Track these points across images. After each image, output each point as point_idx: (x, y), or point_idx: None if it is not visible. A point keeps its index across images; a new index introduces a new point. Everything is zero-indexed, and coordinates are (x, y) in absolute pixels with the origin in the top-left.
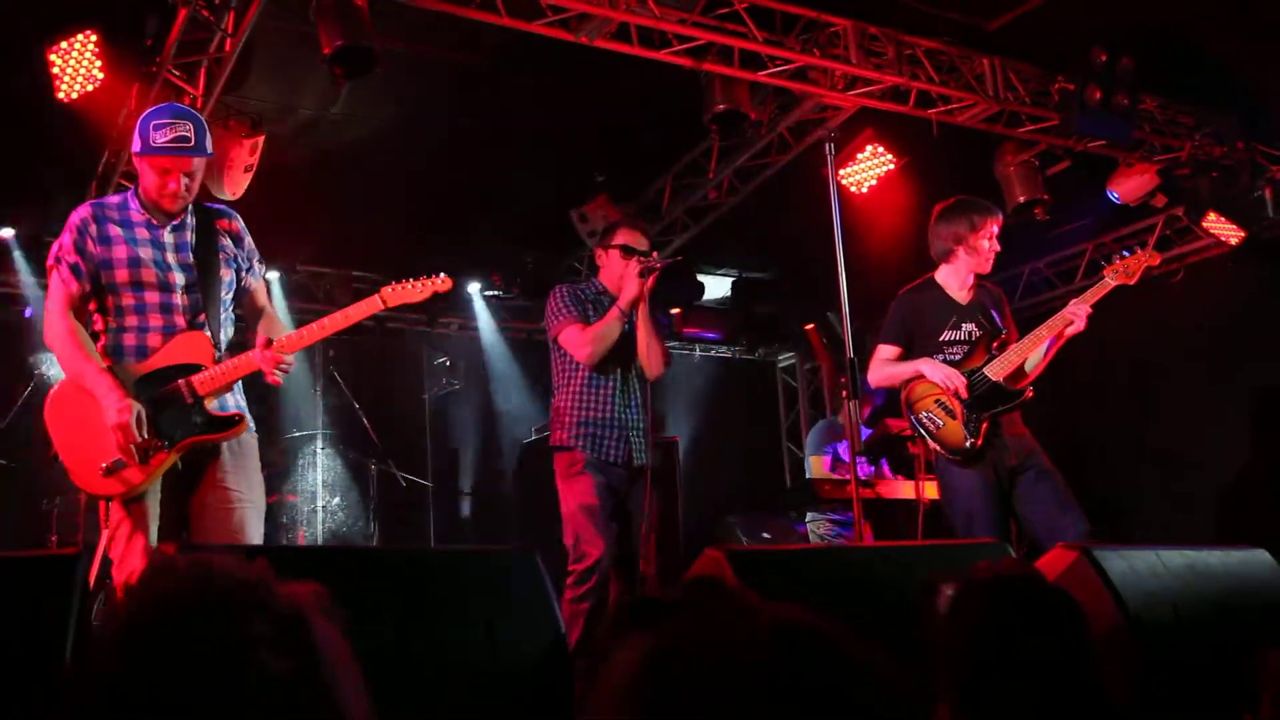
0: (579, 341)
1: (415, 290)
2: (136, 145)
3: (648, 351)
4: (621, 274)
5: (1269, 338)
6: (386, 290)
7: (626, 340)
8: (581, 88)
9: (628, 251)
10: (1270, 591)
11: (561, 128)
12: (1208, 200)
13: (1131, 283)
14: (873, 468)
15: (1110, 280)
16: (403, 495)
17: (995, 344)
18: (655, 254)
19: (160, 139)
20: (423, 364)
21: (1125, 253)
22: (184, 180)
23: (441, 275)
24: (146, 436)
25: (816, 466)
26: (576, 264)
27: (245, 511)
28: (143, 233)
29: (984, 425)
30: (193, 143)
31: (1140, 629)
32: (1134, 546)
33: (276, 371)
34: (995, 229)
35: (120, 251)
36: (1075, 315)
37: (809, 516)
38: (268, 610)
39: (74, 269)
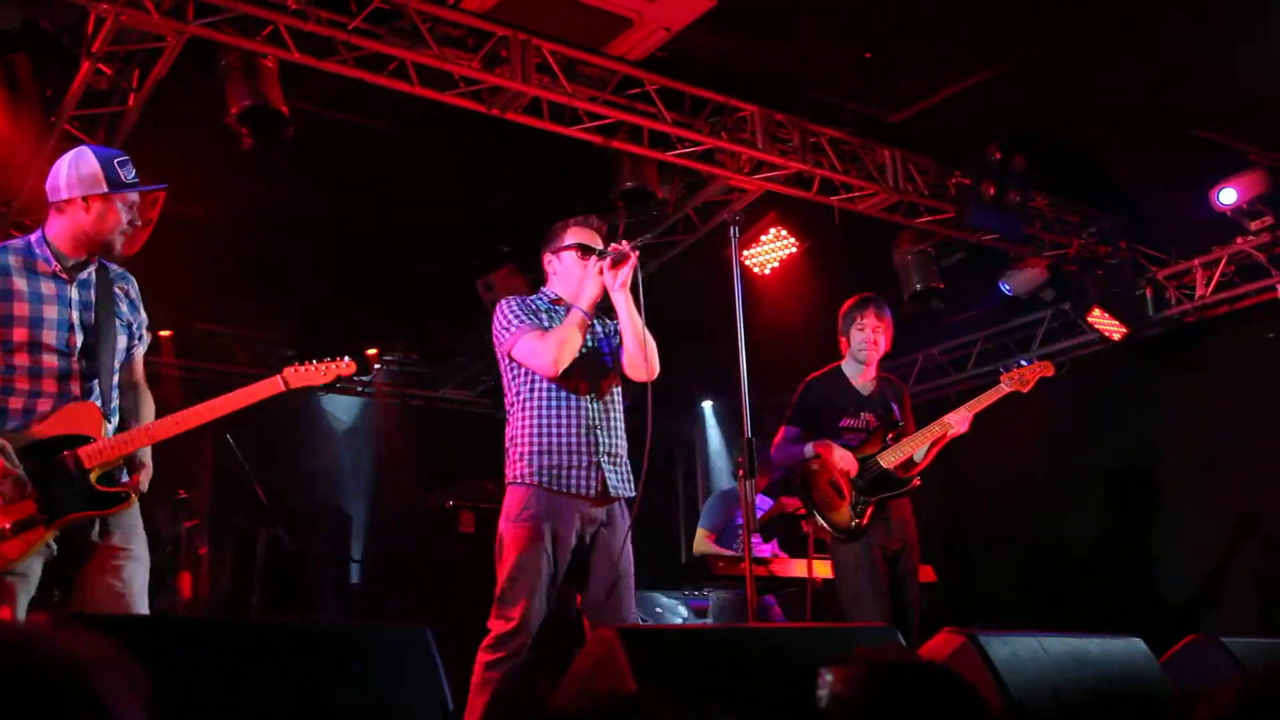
0: (539, 349)
1: (318, 373)
2: (101, 187)
3: (637, 350)
4: (580, 277)
5: (1147, 431)
6: (289, 371)
7: (595, 353)
8: (491, 158)
9: (585, 250)
10: (1146, 680)
11: (469, 196)
12: (1093, 296)
13: (1025, 391)
14: (768, 545)
15: (1005, 387)
16: (291, 561)
17: (890, 435)
18: (624, 241)
19: (129, 176)
20: (317, 427)
21: (1023, 361)
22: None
23: (346, 359)
24: (21, 480)
25: (700, 541)
26: (482, 334)
27: (132, 567)
28: (49, 287)
29: (869, 509)
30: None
31: (1022, 715)
32: (1017, 632)
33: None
34: (867, 321)
35: (22, 309)
36: (957, 422)
37: (711, 597)
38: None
39: None
